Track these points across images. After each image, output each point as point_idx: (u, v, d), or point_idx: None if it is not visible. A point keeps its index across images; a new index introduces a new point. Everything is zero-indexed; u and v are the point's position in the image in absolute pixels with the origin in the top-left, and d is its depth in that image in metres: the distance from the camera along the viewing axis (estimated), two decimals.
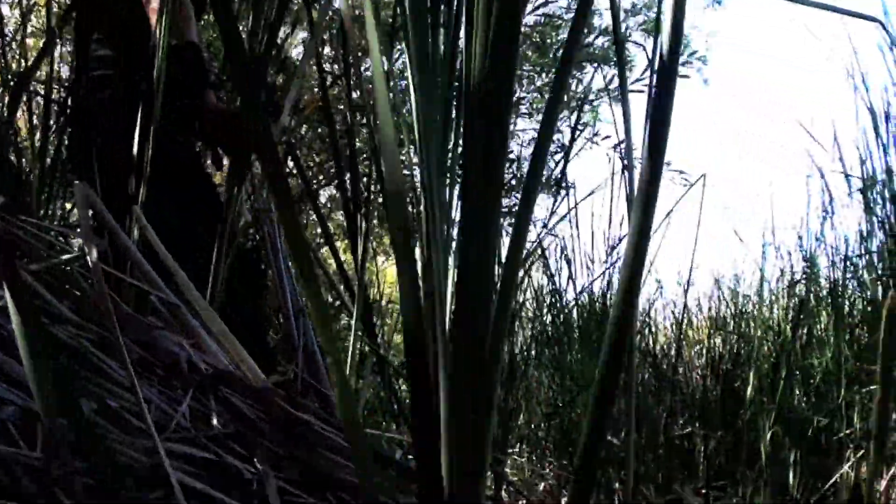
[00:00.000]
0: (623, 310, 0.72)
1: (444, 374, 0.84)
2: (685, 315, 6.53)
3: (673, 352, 5.24)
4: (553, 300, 5.39)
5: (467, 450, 0.77)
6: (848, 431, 4.59)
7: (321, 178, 5.37)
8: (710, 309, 6.85)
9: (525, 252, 5.56)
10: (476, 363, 0.75)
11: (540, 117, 5.89)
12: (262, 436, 1.64)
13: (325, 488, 1.56)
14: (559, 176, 3.82)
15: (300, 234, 0.80)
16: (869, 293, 4.84)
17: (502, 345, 0.75)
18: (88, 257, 1.71)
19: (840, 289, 5.08)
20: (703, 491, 5.04)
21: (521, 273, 5.59)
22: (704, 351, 6.48)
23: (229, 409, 1.67)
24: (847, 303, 5.12)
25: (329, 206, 5.86)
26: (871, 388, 4.47)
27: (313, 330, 3.34)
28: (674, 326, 5.22)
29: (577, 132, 5.41)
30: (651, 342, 6.36)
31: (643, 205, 0.72)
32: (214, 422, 1.61)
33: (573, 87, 5.68)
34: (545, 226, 5.00)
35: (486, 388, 0.77)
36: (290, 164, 5.22)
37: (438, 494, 0.83)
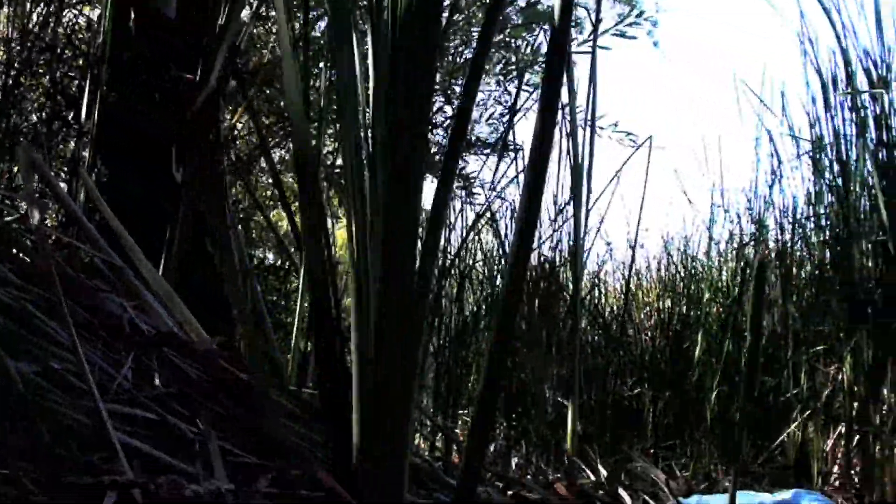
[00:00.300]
0: (515, 269, 0.71)
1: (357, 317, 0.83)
2: (631, 275, 6.56)
3: (623, 313, 5.24)
4: (503, 263, 5.39)
5: (387, 400, 0.75)
6: (795, 392, 4.63)
7: (277, 137, 5.31)
8: (658, 271, 6.88)
9: (475, 215, 5.56)
10: (402, 304, 0.73)
11: (491, 79, 5.87)
12: (206, 397, 1.62)
13: (266, 449, 1.55)
14: (503, 137, 3.80)
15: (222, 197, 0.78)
16: (817, 255, 4.87)
17: (429, 283, 0.73)
18: (31, 219, 1.68)
19: (788, 251, 5.12)
20: (652, 451, 5.08)
21: (470, 236, 5.59)
22: (654, 312, 6.51)
23: (172, 371, 1.65)
24: (795, 265, 5.15)
25: (282, 167, 5.80)
26: (818, 348, 4.51)
27: (261, 293, 3.33)
28: (623, 288, 5.23)
29: (523, 93, 5.40)
30: (601, 304, 6.38)
31: (533, 163, 0.71)
32: (157, 383, 1.59)
33: (523, 49, 5.65)
34: (493, 188, 4.99)
35: (413, 330, 0.74)
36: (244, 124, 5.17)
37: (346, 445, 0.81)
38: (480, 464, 0.78)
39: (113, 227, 2.34)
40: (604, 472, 2.43)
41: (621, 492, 2.22)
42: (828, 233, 4.44)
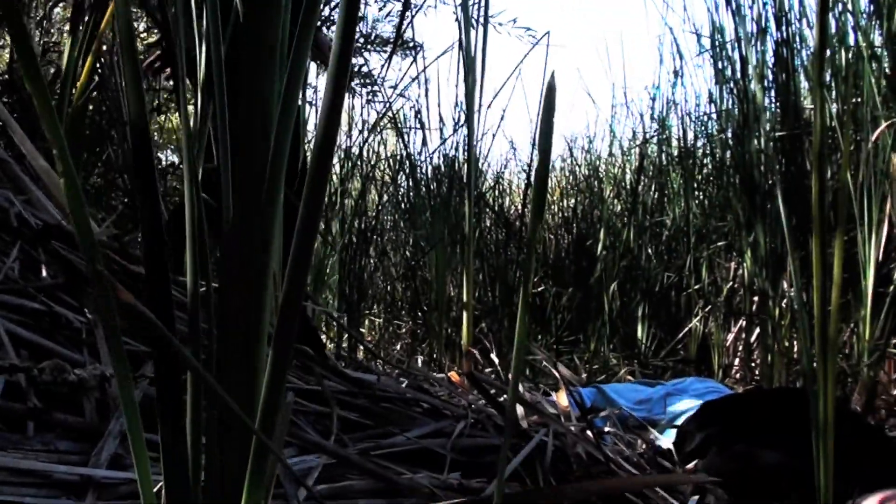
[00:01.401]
0: (317, 169, 0.66)
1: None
2: (530, 176, 6.53)
3: (524, 209, 5.24)
4: (406, 164, 5.34)
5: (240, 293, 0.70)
6: (696, 287, 4.69)
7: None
8: (562, 170, 6.89)
9: (377, 116, 5.49)
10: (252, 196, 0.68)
11: None
12: (92, 285, 1.57)
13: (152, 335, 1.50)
14: (399, 32, 3.73)
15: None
16: (718, 152, 4.90)
17: (280, 176, 0.68)
18: None
19: (690, 148, 5.15)
20: (555, 346, 5.12)
21: (371, 137, 5.54)
22: (558, 210, 6.53)
23: (60, 262, 1.59)
24: (697, 162, 5.19)
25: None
26: (719, 244, 4.56)
27: (161, 193, 3.25)
28: (527, 187, 5.21)
29: None
30: (505, 202, 6.38)
31: (335, 66, 0.66)
32: (44, 273, 1.53)
33: None
34: (394, 87, 4.92)
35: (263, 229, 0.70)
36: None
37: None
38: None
39: (1, 118, 2.24)
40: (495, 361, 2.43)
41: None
42: (729, 131, 4.46)
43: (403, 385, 1.75)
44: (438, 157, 5.36)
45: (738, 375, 4.27)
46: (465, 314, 2.74)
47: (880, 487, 1.59)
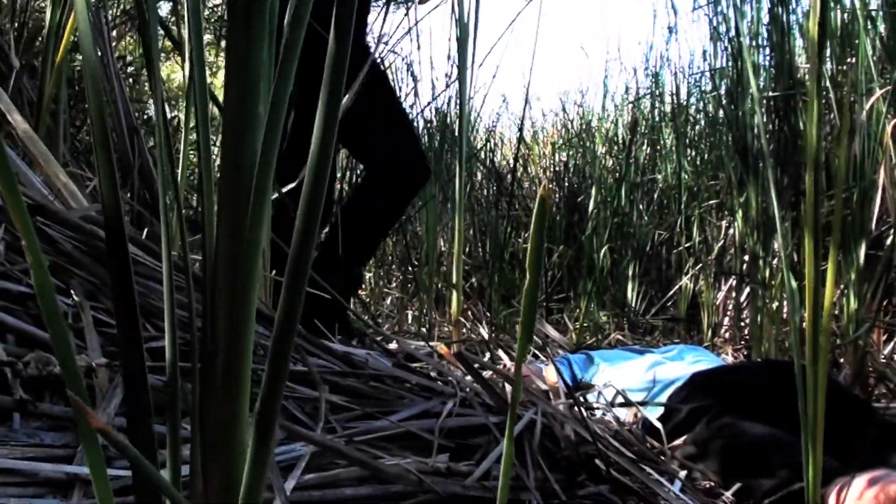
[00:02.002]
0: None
1: None
2: (525, 125, 6.52)
3: (515, 164, 5.23)
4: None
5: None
6: (687, 245, 4.69)
7: None
8: (554, 124, 6.88)
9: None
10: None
11: None
12: (80, 267, 1.56)
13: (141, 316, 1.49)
14: None
15: None
16: (711, 110, 4.88)
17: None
18: None
19: (683, 106, 5.12)
20: (545, 303, 5.12)
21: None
22: (550, 164, 6.52)
23: (46, 241, 1.57)
24: (689, 119, 5.17)
25: (170, 18, 5.59)
26: (711, 202, 4.56)
27: (149, 150, 3.23)
28: (520, 141, 5.20)
29: None
30: (497, 158, 6.37)
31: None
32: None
33: None
34: (386, 42, 4.88)
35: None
36: None
37: None
38: None
39: None
40: (485, 334, 2.43)
41: (500, 353, 2.22)
42: (722, 89, 4.44)
43: (390, 365, 1.74)
44: (430, 112, 5.34)
45: (727, 335, 4.29)
46: (454, 294, 2.72)
47: (869, 466, 1.60)
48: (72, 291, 1.46)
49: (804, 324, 1.22)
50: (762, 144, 3.69)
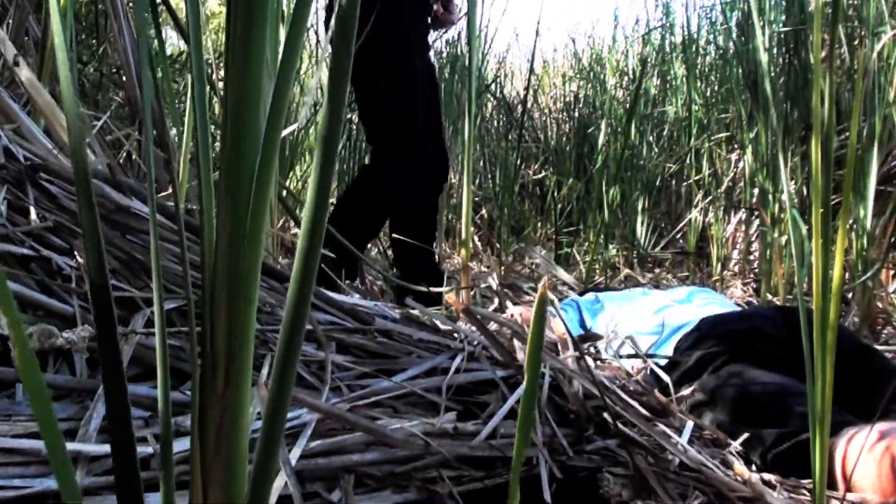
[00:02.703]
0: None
1: None
2: (536, 56, 6.45)
3: (525, 96, 5.19)
4: None
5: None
6: (696, 178, 4.67)
7: None
8: (565, 56, 6.82)
9: None
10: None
11: None
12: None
13: (145, 276, 1.49)
14: None
15: None
16: (721, 41, 4.83)
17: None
18: None
19: (694, 38, 5.07)
20: (555, 236, 5.12)
21: None
22: (560, 95, 6.48)
23: (50, 199, 1.56)
24: (700, 51, 5.12)
25: None
26: (720, 136, 4.53)
27: (159, 91, 3.20)
28: (530, 73, 5.15)
29: None
30: (507, 89, 6.32)
31: None
32: (33, 215, 1.50)
33: None
34: None
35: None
36: None
37: None
38: None
39: None
40: (494, 284, 2.42)
41: (509, 304, 2.21)
42: (733, 21, 4.38)
43: (398, 316, 1.74)
44: (441, 43, 5.30)
45: (736, 268, 4.28)
46: (463, 234, 2.71)
47: (880, 418, 1.59)
48: (75, 253, 1.45)
49: (813, 268, 1.20)
50: (770, 81, 3.65)
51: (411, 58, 3.38)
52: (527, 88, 5.19)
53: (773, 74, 3.74)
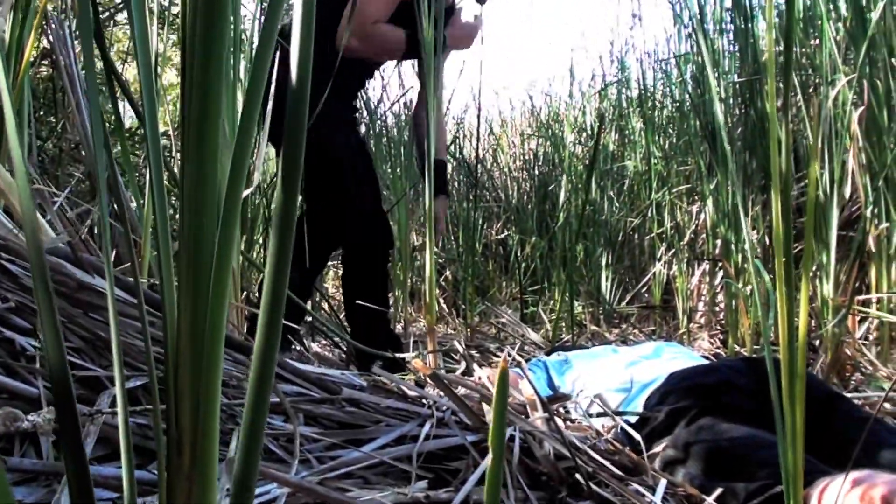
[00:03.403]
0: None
1: None
2: (490, 117, 6.49)
3: (482, 154, 5.21)
4: (364, 112, 5.27)
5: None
6: (659, 231, 4.69)
7: None
8: (522, 114, 6.87)
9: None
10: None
11: None
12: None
13: (109, 354, 1.47)
14: None
15: None
16: (677, 94, 4.88)
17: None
18: None
19: (650, 91, 5.12)
20: (520, 295, 5.12)
21: None
22: (519, 154, 6.51)
23: (11, 280, 1.54)
24: (657, 105, 5.17)
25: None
26: (681, 188, 4.56)
27: (117, 163, 3.19)
28: (489, 133, 5.18)
29: None
30: (467, 150, 6.35)
31: None
32: None
33: None
34: None
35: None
36: None
37: None
38: None
39: None
40: (460, 347, 2.43)
41: (476, 367, 2.21)
42: (688, 74, 4.44)
43: (365, 384, 1.73)
44: (399, 108, 5.32)
45: (702, 320, 4.29)
46: (428, 297, 2.71)
47: (853, 466, 1.58)
48: (38, 333, 1.43)
49: (779, 318, 1.19)
50: (727, 132, 3.69)
51: (338, 134, 3.43)
52: (482, 148, 5.22)
53: (730, 125, 3.78)
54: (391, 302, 3.72)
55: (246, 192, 3.84)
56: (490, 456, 0.61)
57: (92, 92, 0.73)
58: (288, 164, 0.61)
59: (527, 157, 6.26)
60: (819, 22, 3.42)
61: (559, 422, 1.61)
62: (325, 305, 4.42)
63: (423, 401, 1.71)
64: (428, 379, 1.75)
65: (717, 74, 3.90)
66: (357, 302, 3.23)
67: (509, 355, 3.14)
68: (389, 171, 5.05)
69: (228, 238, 0.65)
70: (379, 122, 5.13)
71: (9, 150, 2.65)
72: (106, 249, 0.75)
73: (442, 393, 1.63)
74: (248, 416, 0.62)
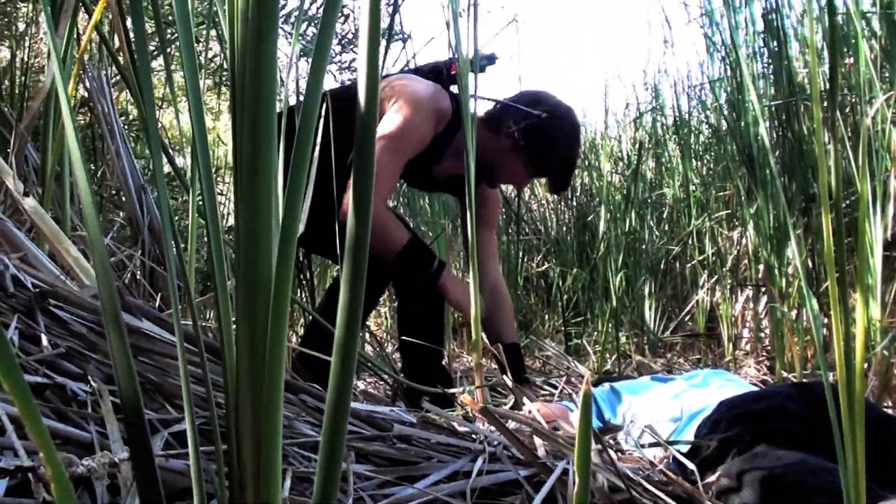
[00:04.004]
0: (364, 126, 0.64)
1: None
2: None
3: (526, 189, 5.21)
4: None
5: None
6: (700, 258, 4.66)
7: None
8: None
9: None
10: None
11: None
12: (95, 350, 1.54)
13: (160, 397, 1.48)
14: (390, 24, 3.69)
15: None
16: (713, 120, 4.87)
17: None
18: None
19: (685, 118, 5.11)
20: (563, 327, 5.10)
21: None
22: None
23: (60, 325, 1.56)
24: (693, 131, 5.16)
25: (175, 64, 5.57)
26: (720, 213, 4.54)
27: (157, 206, 3.21)
28: None
29: None
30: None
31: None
32: (45, 342, 1.49)
33: None
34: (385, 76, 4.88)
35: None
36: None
37: None
38: None
39: None
40: (508, 381, 2.44)
41: (525, 400, 2.21)
42: (722, 98, 4.43)
43: (415, 420, 1.73)
44: None
45: (748, 347, 4.25)
46: (473, 333, 2.71)
47: None
48: (89, 378, 1.44)
49: (834, 339, 1.18)
50: (767, 154, 3.68)
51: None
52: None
53: (767, 148, 3.77)
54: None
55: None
56: (577, 480, 0.61)
57: (154, 142, 0.74)
58: (359, 195, 0.61)
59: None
60: (853, 41, 3.40)
61: (612, 453, 1.60)
62: (370, 342, 4.44)
63: (474, 436, 1.71)
64: (477, 414, 1.75)
65: (755, 94, 3.89)
66: (410, 339, 3.22)
67: (561, 392, 3.12)
68: (428, 206, 5.07)
69: (284, 275, 0.66)
70: None
71: (55, 197, 2.69)
72: (174, 300, 0.76)
73: (493, 428, 1.62)
74: (323, 461, 0.62)
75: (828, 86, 1.17)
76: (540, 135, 3.29)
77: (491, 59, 3.36)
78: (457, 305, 3.16)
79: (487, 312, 3.42)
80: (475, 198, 2.77)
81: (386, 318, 6.06)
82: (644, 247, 5.02)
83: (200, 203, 3.66)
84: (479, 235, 3.60)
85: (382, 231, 3.14)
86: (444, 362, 3.47)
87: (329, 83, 5.26)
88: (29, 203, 2.17)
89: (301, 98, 3.36)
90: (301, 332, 4.15)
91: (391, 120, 3.13)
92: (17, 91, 3.75)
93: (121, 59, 2.98)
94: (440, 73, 3.42)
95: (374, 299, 3.61)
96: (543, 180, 4.15)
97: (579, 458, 0.61)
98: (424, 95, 3.22)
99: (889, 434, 1.93)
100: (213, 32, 4.29)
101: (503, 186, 4.89)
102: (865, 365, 3.07)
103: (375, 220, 3.07)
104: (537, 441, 1.64)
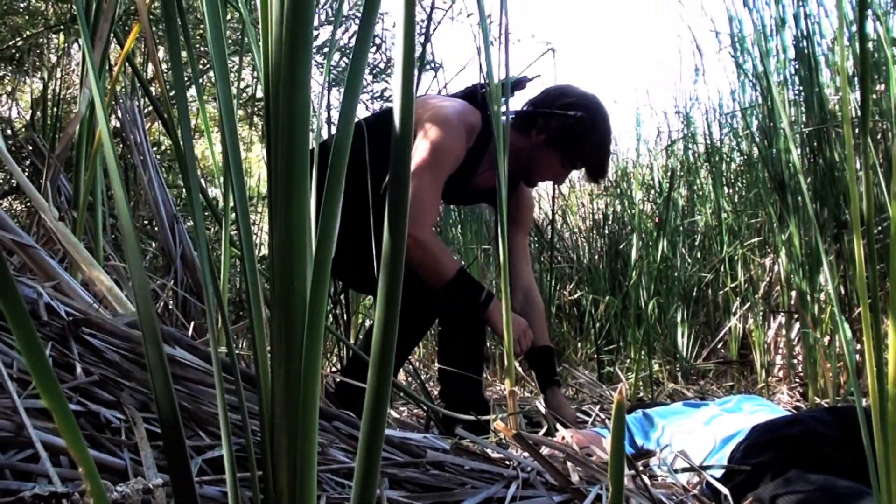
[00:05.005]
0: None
1: None
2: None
3: (558, 218, 5.22)
4: None
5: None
6: (733, 285, 4.65)
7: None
8: None
9: None
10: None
11: None
12: (129, 377, 1.56)
13: (194, 424, 1.49)
14: (421, 54, 3.71)
15: None
16: (744, 146, 4.87)
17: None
18: None
19: (717, 145, 5.11)
20: (596, 355, 5.09)
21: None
22: (588, 213, 6.51)
23: (93, 353, 1.58)
24: (724, 158, 5.15)
25: (208, 96, 5.61)
26: (752, 241, 4.52)
27: (190, 237, 3.24)
28: (558, 194, 5.19)
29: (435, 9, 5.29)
30: (536, 211, 6.36)
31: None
32: (78, 370, 1.51)
33: None
34: None
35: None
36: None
37: None
38: None
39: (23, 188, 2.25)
40: (542, 408, 2.44)
41: (558, 427, 2.21)
42: (754, 126, 4.43)
43: (448, 447, 1.73)
44: None
45: (781, 373, 4.24)
46: (506, 360, 2.72)
47: None
48: (123, 405, 1.46)
49: (867, 364, 1.18)
50: (799, 180, 3.67)
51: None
52: (553, 210, 5.24)
53: (799, 174, 3.76)
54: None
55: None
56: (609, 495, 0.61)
57: (192, 172, 0.75)
58: (394, 216, 0.63)
59: (596, 217, 6.26)
60: (884, 67, 3.41)
61: (645, 479, 1.60)
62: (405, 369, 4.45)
63: (507, 462, 1.71)
64: (511, 440, 1.75)
65: (787, 120, 3.89)
66: (449, 368, 3.23)
67: (588, 415, 3.12)
68: (461, 235, 5.08)
69: (319, 302, 0.67)
70: None
71: (90, 226, 2.72)
72: (212, 332, 0.77)
73: (526, 454, 1.62)
74: (357, 487, 0.63)
75: (859, 112, 1.18)
76: (572, 126, 3.30)
77: (521, 84, 3.37)
78: (502, 335, 3.16)
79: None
80: (508, 202, 2.77)
81: (419, 346, 6.07)
82: (676, 274, 5.01)
83: (233, 232, 3.69)
84: (513, 238, 3.61)
85: (434, 260, 3.12)
86: (481, 391, 3.48)
87: (361, 112, 5.29)
88: (62, 232, 2.19)
89: (333, 127, 3.36)
90: (335, 361, 4.17)
91: (423, 146, 3.13)
92: (48, 122, 3.80)
93: (153, 88, 3.01)
94: (473, 96, 3.43)
95: (420, 334, 3.57)
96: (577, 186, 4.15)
97: (613, 480, 0.62)
98: (452, 113, 3.23)
99: None
100: (245, 59, 4.33)
101: (535, 216, 4.90)
102: None
103: (426, 249, 3.09)
104: (571, 467, 1.65)
